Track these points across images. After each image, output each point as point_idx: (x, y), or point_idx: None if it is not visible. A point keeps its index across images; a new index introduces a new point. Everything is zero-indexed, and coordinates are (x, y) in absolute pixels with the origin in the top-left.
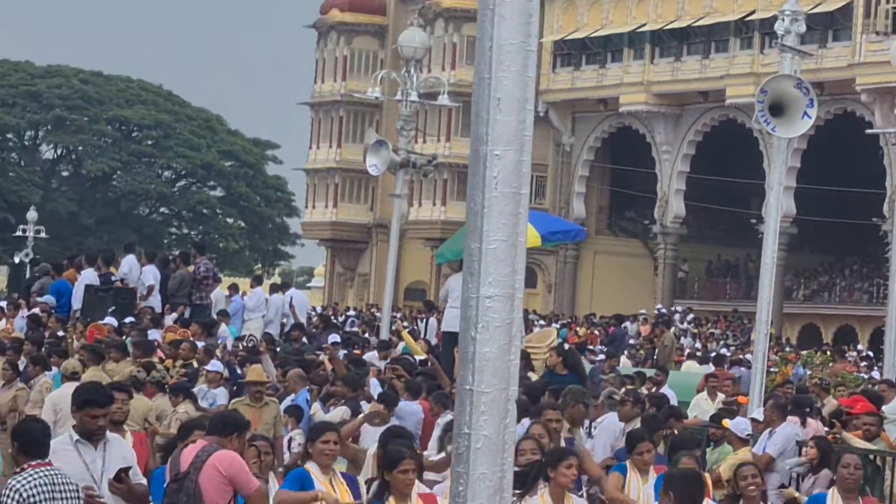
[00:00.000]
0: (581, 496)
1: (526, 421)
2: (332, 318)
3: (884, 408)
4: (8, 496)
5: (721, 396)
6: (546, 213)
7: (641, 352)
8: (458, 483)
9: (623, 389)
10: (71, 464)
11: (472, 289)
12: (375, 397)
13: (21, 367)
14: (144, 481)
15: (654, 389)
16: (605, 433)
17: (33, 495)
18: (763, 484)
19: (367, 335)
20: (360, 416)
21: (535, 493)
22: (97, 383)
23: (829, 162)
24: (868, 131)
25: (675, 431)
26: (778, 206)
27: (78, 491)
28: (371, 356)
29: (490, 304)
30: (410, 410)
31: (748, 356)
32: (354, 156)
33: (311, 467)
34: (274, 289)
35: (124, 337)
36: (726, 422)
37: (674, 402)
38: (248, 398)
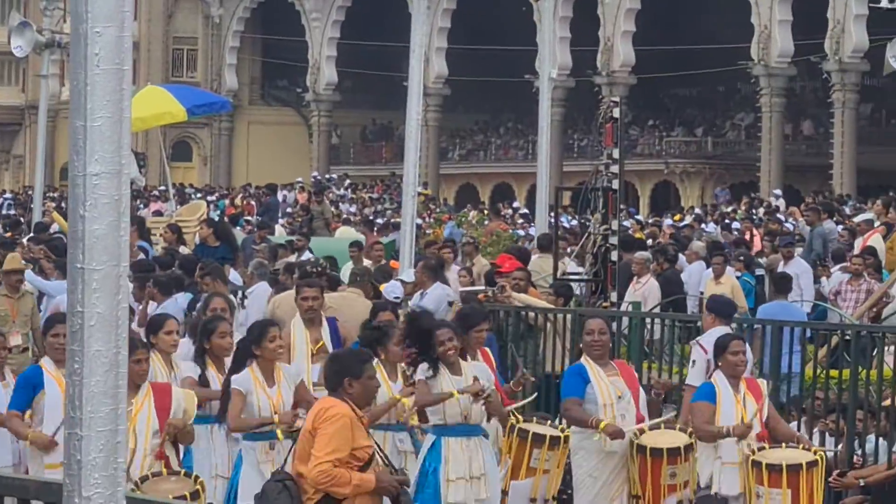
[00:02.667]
0: None
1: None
2: None
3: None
4: None
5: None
6: (194, 86)
7: (298, 220)
8: (74, 361)
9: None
10: None
11: (79, 167)
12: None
13: None
14: None
15: (295, 256)
16: (256, 301)
17: None
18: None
19: (22, 217)
20: None
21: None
22: None
23: (481, 21)
24: None
25: None
26: (420, 68)
27: None
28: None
29: (97, 182)
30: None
31: None
32: (2, 38)
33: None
34: None
35: None
36: (383, 286)
37: None
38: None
